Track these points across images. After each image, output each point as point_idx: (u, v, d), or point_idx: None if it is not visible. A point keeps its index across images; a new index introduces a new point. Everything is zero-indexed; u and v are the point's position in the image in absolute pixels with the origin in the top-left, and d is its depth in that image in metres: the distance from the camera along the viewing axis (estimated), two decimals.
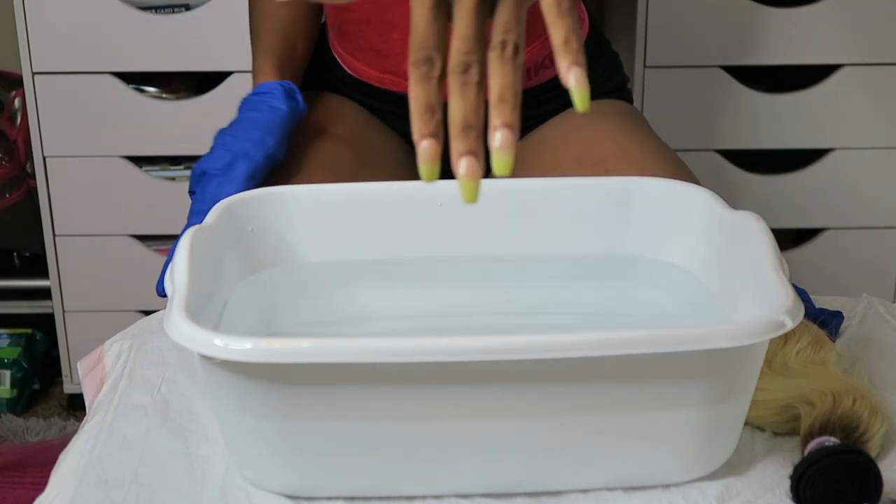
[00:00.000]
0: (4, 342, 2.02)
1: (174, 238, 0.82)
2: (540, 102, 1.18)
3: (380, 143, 1.18)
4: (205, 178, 1.00)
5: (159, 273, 0.89)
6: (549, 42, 0.57)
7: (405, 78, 1.17)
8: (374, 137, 1.18)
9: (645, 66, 1.73)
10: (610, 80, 1.24)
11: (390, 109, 1.19)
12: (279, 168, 1.04)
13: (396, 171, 1.15)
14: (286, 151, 1.05)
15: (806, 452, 0.71)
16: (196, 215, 0.97)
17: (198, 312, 0.68)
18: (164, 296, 0.75)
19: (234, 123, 1.05)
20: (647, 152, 1.08)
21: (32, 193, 1.89)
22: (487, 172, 0.56)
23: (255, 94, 1.08)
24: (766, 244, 0.74)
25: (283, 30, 1.16)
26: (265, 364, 0.63)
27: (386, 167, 1.15)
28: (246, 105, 1.07)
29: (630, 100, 1.27)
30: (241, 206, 0.85)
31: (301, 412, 0.66)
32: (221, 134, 1.04)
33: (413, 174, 0.70)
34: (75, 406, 2.01)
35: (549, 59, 1.17)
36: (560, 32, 0.56)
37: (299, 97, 1.08)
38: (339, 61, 1.21)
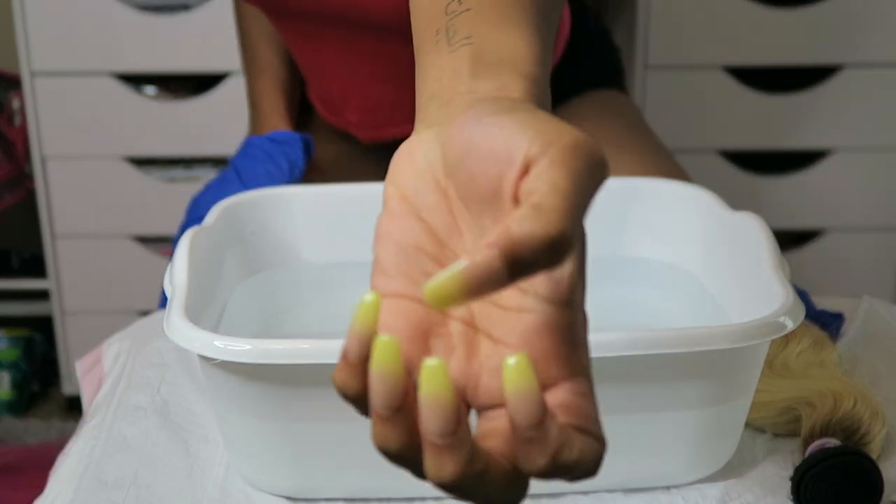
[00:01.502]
0: (3, 344, 2.02)
1: (173, 239, 0.82)
2: None
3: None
4: None
5: (160, 275, 0.89)
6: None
7: (349, 122, 1.16)
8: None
9: (645, 66, 1.73)
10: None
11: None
12: None
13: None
14: None
15: (807, 454, 0.71)
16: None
17: (198, 313, 0.68)
18: None
19: (251, 173, 1.03)
20: (637, 154, 1.08)
21: (31, 194, 1.89)
22: None
23: (271, 140, 1.06)
24: (766, 245, 0.74)
25: (283, 54, 1.15)
26: (265, 365, 0.63)
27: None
28: (261, 150, 1.05)
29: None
30: (240, 208, 0.85)
31: (301, 413, 0.66)
32: (236, 183, 1.01)
33: None
34: (74, 408, 2.01)
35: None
36: None
37: (312, 150, 1.07)
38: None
